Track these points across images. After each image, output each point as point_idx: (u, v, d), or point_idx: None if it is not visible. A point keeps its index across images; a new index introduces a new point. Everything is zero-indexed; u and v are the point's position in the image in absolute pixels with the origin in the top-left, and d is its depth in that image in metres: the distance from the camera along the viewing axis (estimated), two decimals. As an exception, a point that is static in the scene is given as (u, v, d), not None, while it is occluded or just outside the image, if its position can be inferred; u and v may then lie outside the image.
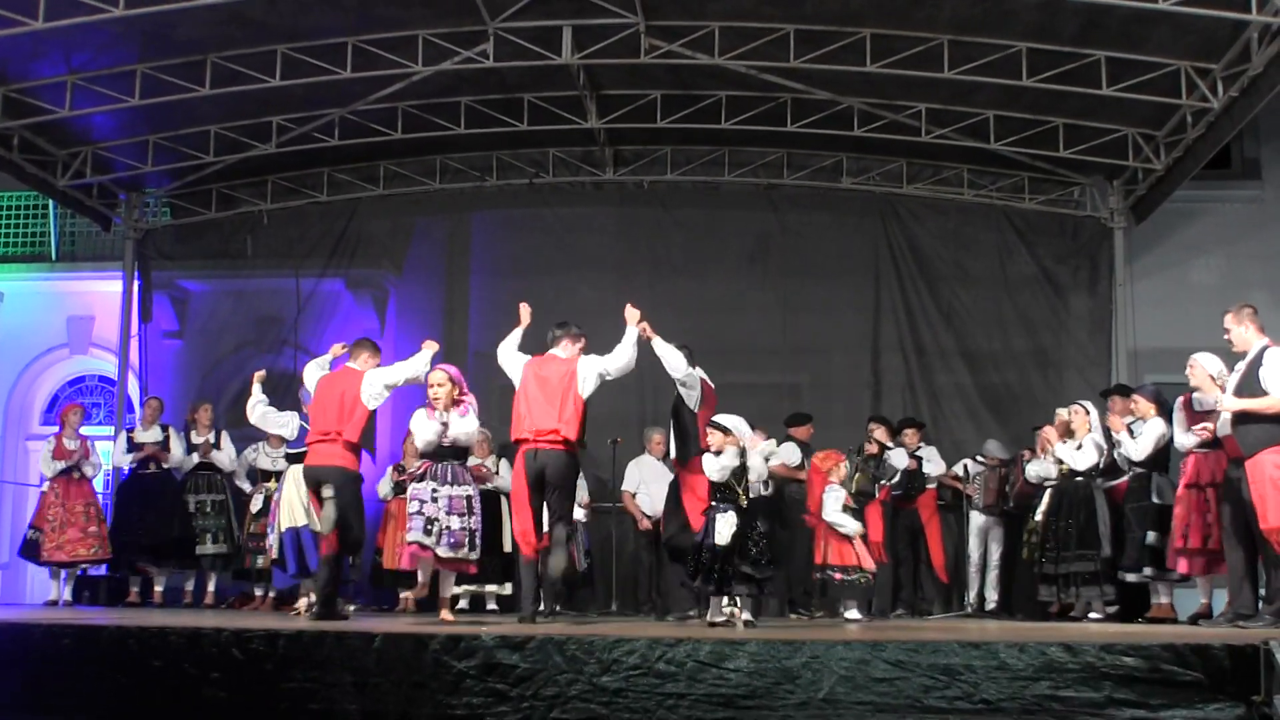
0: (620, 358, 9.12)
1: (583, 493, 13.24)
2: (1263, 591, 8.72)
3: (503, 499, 13.02)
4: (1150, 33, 11.17)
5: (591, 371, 9.06)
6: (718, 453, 8.47)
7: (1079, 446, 10.94)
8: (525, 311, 9.46)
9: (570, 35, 11.70)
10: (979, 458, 13.02)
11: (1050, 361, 14.21)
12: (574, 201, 15.02)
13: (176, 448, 13.02)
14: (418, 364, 9.14)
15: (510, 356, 9.29)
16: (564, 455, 8.91)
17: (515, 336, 9.39)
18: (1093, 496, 10.80)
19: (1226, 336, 8.78)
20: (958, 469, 13.17)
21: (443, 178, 14.99)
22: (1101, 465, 10.88)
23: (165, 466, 13.04)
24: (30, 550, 12.83)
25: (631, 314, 9.26)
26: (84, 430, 13.28)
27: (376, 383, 9.14)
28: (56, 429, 13.25)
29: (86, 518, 12.72)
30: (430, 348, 9.19)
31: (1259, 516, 8.28)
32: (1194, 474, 9.54)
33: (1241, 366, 8.64)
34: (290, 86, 12.29)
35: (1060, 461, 11.09)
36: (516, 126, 13.56)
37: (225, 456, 13.12)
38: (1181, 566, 9.75)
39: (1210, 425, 9.13)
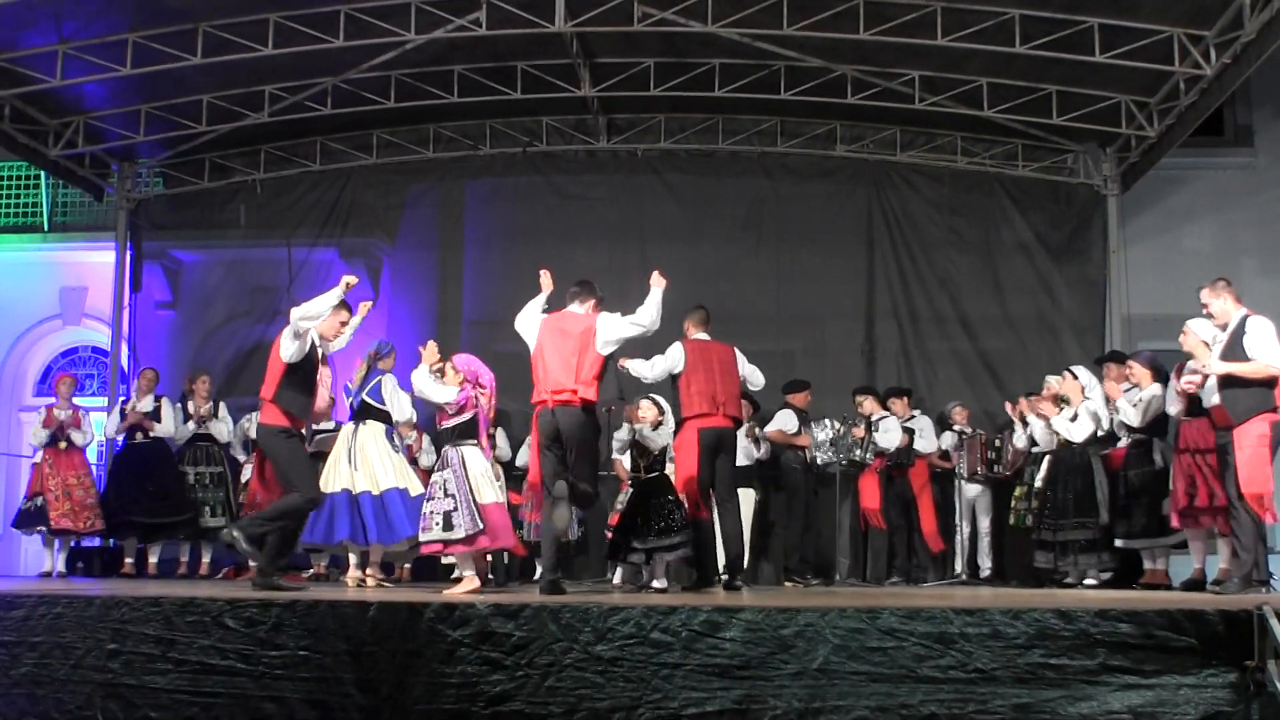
0: (644, 316, 8.66)
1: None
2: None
3: (500, 470, 13.05)
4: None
5: (613, 331, 8.62)
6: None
7: (1074, 417, 10.96)
8: (546, 278, 9.07)
9: (563, 3, 11.64)
10: (954, 426, 13.04)
11: (1044, 328, 14.17)
12: (568, 170, 14.96)
13: (168, 418, 12.91)
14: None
15: (528, 322, 8.86)
16: (580, 414, 8.47)
17: (537, 303, 8.98)
18: (1090, 464, 10.84)
19: (1206, 310, 8.79)
20: (944, 442, 13.14)
21: (436, 146, 14.93)
22: (1099, 433, 10.91)
23: (154, 435, 12.87)
24: (28, 520, 12.66)
25: (658, 280, 8.79)
26: (77, 401, 13.25)
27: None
28: (52, 400, 13.25)
29: (68, 488, 12.58)
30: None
31: (1239, 482, 8.33)
32: (1184, 440, 9.59)
33: (1223, 337, 8.66)
34: (283, 55, 12.23)
35: (1056, 432, 11.11)
36: (510, 95, 13.51)
37: (224, 427, 13.07)
38: (1175, 523, 9.82)
39: (1194, 380, 9.08)
